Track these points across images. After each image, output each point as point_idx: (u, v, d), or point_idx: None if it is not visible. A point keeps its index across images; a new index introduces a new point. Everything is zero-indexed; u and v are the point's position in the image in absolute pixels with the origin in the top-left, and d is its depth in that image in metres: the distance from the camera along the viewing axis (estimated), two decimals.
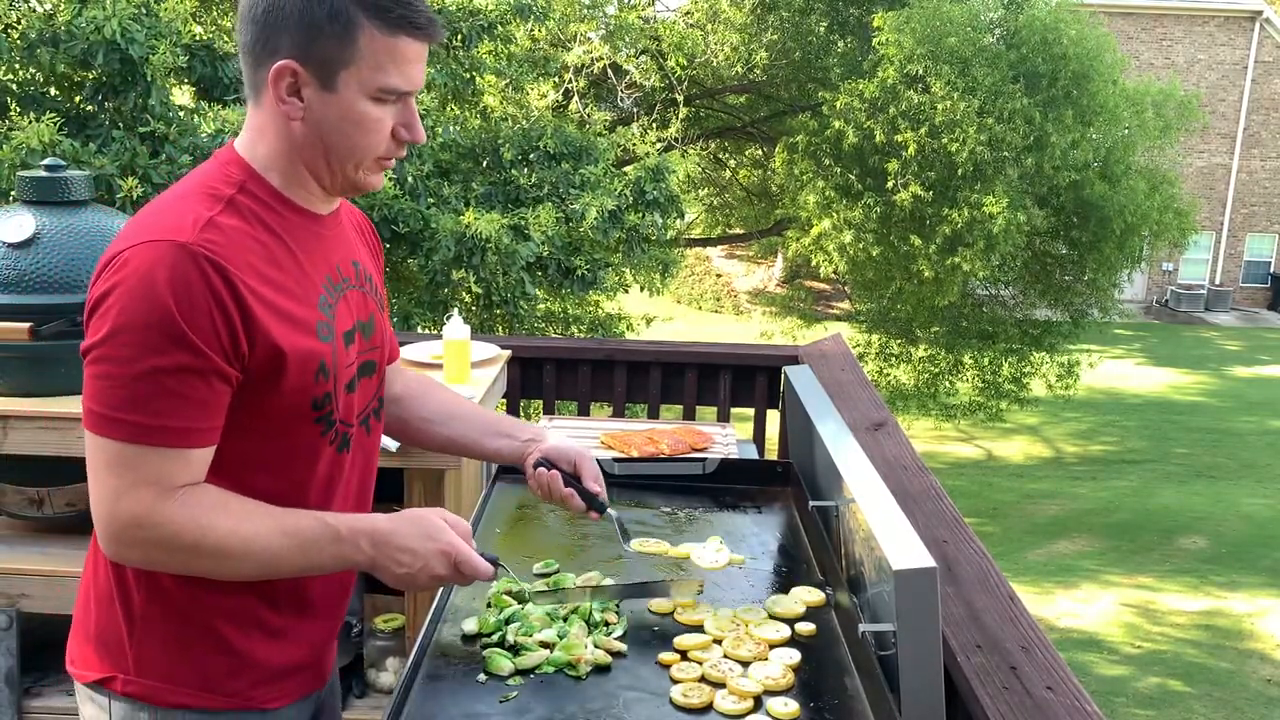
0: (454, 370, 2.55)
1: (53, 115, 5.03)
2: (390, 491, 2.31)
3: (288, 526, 1.25)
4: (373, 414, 1.45)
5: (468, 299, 7.37)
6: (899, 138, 11.26)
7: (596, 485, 1.58)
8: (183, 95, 6.83)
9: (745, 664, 1.42)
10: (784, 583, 1.70)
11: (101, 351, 1.18)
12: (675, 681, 1.38)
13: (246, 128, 1.30)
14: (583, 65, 11.21)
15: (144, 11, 5.32)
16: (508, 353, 2.93)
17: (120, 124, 5.48)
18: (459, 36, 7.01)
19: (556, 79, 10.91)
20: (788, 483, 2.09)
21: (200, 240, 1.18)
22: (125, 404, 1.17)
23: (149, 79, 5.28)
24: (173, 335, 1.16)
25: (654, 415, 3.39)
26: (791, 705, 1.33)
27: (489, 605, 1.57)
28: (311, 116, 1.25)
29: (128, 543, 1.21)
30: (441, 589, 1.58)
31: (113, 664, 1.32)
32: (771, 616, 1.55)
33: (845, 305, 19.86)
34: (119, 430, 1.18)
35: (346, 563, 1.28)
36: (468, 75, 7.25)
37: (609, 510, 1.60)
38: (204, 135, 5.44)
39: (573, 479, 1.59)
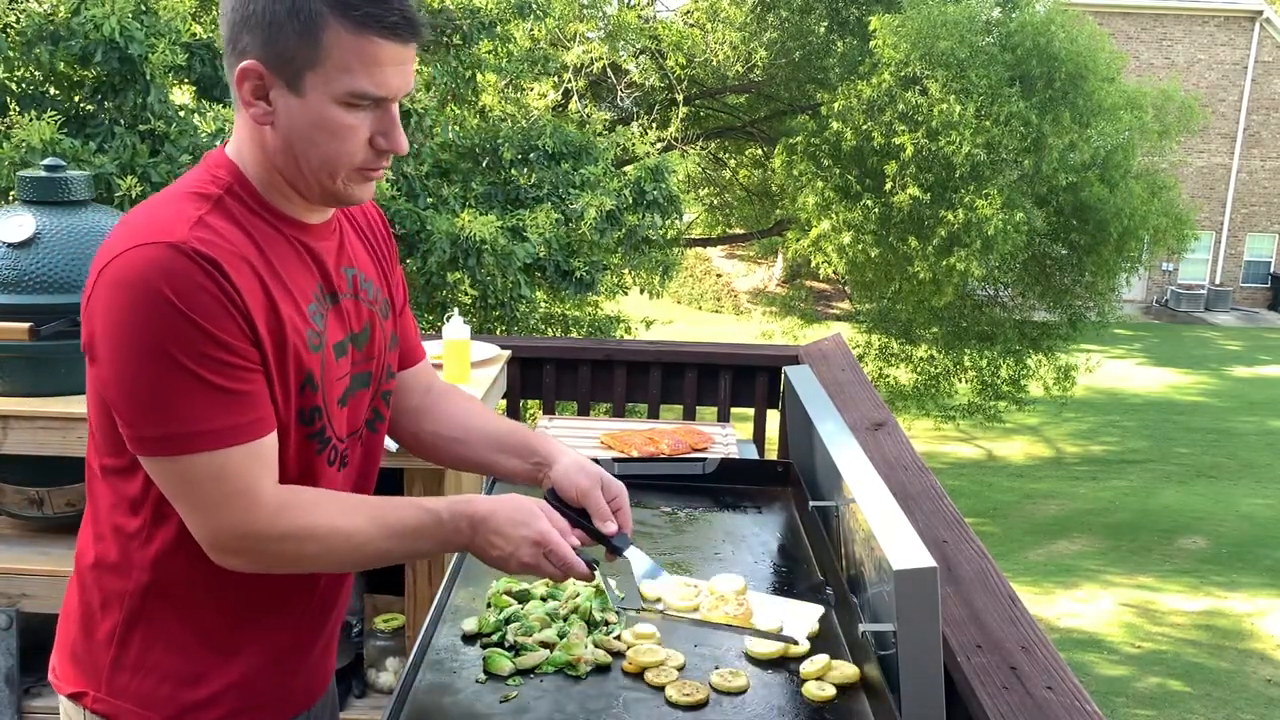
0: (454, 370, 2.55)
1: (53, 114, 5.02)
2: (390, 492, 2.31)
3: (389, 520, 1.23)
4: (366, 426, 1.39)
5: (466, 300, 7.37)
6: (897, 139, 11.27)
7: (609, 523, 1.36)
8: (182, 95, 6.83)
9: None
10: (783, 581, 1.70)
11: (126, 373, 1.13)
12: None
13: (234, 131, 1.26)
14: (582, 65, 11.21)
15: (143, 9, 5.31)
16: (507, 353, 2.93)
17: (120, 121, 5.48)
18: (459, 35, 7.00)
19: (556, 78, 10.91)
20: (788, 483, 2.09)
21: (192, 238, 1.13)
22: (177, 418, 1.13)
23: (148, 77, 5.28)
24: (192, 334, 1.12)
25: (654, 415, 3.39)
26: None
27: (489, 605, 1.57)
28: (280, 122, 1.18)
29: (237, 553, 1.19)
30: (443, 585, 1.57)
31: (86, 680, 1.30)
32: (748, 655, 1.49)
33: (845, 305, 19.87)
34: (185, 445, 1.14)
35: (448, 546, 1.27)
36: (468, 74, 7.25)
37: (626, 553, 1.37)
38: (204, 135, 5.44)
39: (580, 516, 1.36)
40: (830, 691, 1.36)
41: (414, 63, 1.21)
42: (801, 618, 1.46)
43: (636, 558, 1.37)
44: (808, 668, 1.40)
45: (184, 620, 1.27)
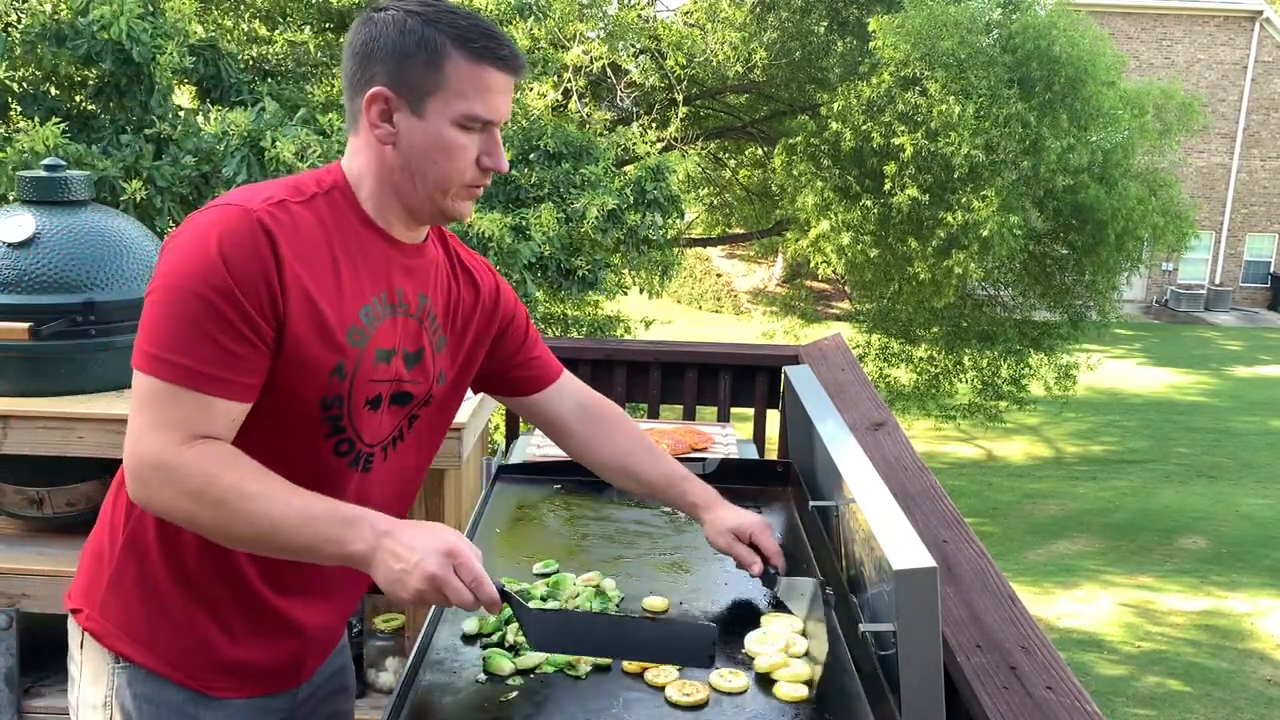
0: None
1: (57, 120, 4.99)
2: None
3: (294, 497, 1.23)
4: (391, 443, 1.43)
5: None
6: (896, 140, 11.26)
7: (754, 566, 1.63)
8: (183, 96, 6.82)
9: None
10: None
11: (153, 293, 1.24)
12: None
13: (348, 150, 1.38)
14: (582, 65, 11.21)
15: (150, 11, 5.29)
16: None
17: (126, 125, 5.47)
18: None
19: (556, 78, 10.91)
20: (788, 483, 2.09)
21: (263, 210, 1.25)
22: (164, 344, 1.22)
23: (154, 79, 5.26)
24: (218, 284, 1.21)
25: (654, 415, 3.39)
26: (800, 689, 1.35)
27: None
28: (402, 141, 1.31)
29: (143, 482, 1.23)
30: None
31: (85, 599, 1.40)
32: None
33: (845, 305, 19.86)
34: (155, 367, 1.22)
35: (344, 549, 1.22)
36: None
37: (777, 587, 1.63)
38: (208, 136, 5.43)
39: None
40: (803, 692, 1.36)
41: (513, 94, 1.37)
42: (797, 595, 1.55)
43: (785, 589, 1.59)
44: (762, 664, 1.41)
45: (173, 566, 1.34)
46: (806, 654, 1.46)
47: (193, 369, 1.22)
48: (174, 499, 1.22)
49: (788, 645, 1.45)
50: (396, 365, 1.38)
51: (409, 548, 1.21)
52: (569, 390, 1.70)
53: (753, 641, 1.47)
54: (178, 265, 1.23)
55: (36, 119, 5.03)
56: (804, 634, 1.51)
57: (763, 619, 1.55)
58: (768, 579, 1.61)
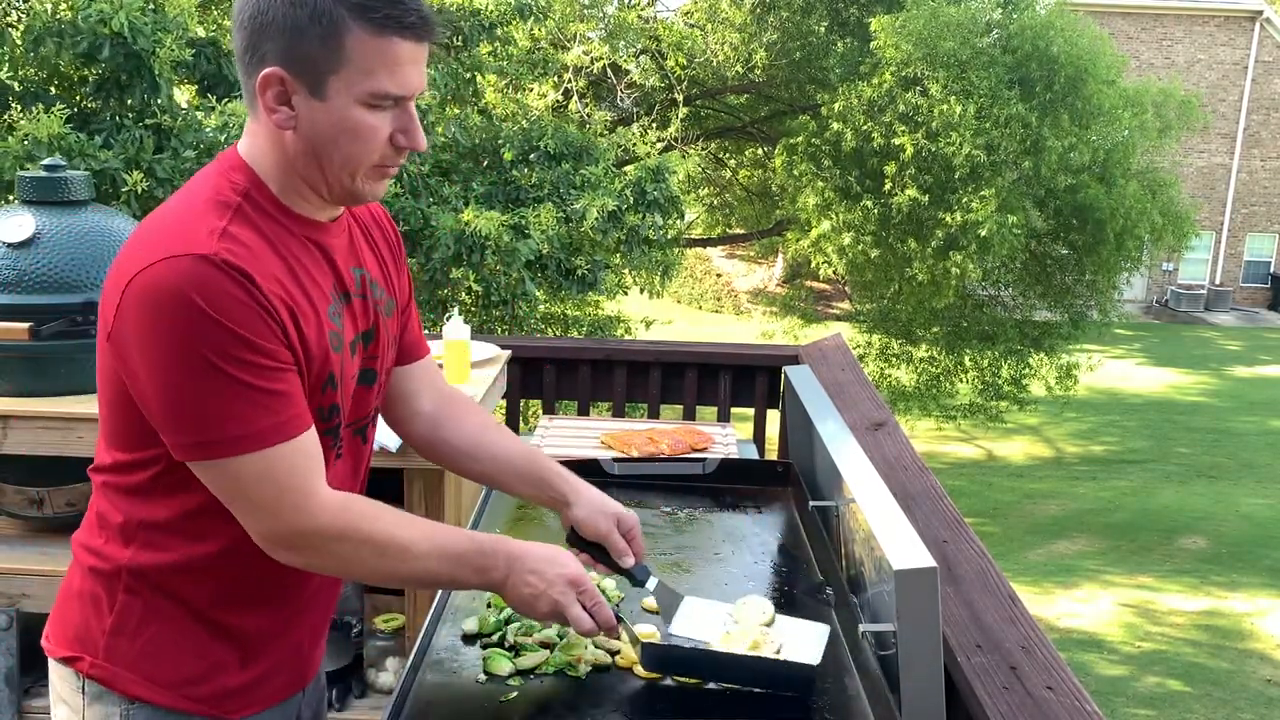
0: (454, 370, 2.54)
1: (60, 108, 5.00)
2: (390, 491, 2.32)
3: (439, 539, 1.29)
4: (370, 421, 1.43)
5: (467, 299, 7.36)
6: (896, 140, 11.27)
7: (628, 558, 1.49)
8: (184, 94, 6.82)
9: None
10: (783, 582, 1.70)
11: (167, 383, 1.15)
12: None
13: (246, 133, 1.27)
14: (582, 65, 11.21)
15: (150, 6, 5.30)
16: (507, 353, 2.93)
17: (127, 117, 5.48)
18: (459, 36, 7.00)
19: (556, 79, 10.91)
20: (788, 483, 2.09)
21: (220, 250, 1.15)
22: (214, 424, 1.16)
23: (155, 73, 5.27)
24: (229, 338, 1.14)
25: (654, 415, 3.39)
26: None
27: (489, 605, 1.57)
28: (303, 126, 1.20)
29: (290, 551, 1.23)
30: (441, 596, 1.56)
31: (82, 646, 1.32)
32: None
33: (845, 305, 19.86)
34: (221, 451, 1.17)
35: (485, 578, 1.30)
36: (468, 75, 7.25)
37: (649, 583, 1.50)
38: (209, 130, 5.43)
39: (603, 553, 1.50)
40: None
41: (426, 59, 1.24)
42: (809, 640, 1.49)
43: (660, 591, 1.50)
44: None
45: (179, 601, 1.30)
46: (778, 651, 1.46)
47: (255, 431, 1.17)
48: (329, 560, 1.26)
49: (755, 643, 1.45)
50: (360, 350, 1.35)
51: (538, 574, 1.29)
52: (429, 369, 1.60)
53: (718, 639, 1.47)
54: (174, 341, 1.14)
55: (39, 107, 5.03)
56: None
57: (735, 604, 1.55)
58: (640, 574, 1.50)
